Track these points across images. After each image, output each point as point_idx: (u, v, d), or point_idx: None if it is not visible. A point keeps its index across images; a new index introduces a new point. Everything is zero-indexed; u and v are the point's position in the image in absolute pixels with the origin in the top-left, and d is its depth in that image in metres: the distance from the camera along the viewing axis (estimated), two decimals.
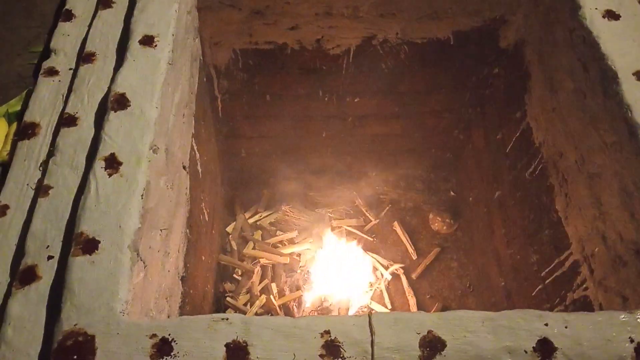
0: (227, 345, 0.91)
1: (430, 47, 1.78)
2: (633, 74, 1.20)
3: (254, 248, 2.17)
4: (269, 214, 2.27)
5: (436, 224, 2.30)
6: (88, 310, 0.92)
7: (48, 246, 1.03)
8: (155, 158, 1.15)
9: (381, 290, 2.13)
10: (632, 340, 0.91)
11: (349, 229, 2.25)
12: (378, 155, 2.24)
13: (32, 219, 1.06)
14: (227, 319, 0.93)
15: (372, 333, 0.92)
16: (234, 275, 2.09)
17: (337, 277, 2.08)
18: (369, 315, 0.94)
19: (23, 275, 1.00)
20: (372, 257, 2.20)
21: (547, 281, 1.50)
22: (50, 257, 1.02)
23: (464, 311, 0.94)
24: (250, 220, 2.26)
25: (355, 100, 1.95)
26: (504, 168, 1.81)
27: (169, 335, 0.91)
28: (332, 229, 2.23)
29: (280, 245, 2.19)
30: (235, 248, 2.14)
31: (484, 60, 1.81)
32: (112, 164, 1.09)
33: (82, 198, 1.05)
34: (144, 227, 1.06)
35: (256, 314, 1.98)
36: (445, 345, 0.90)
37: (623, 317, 0.93)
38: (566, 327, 0.91)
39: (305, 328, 0.93)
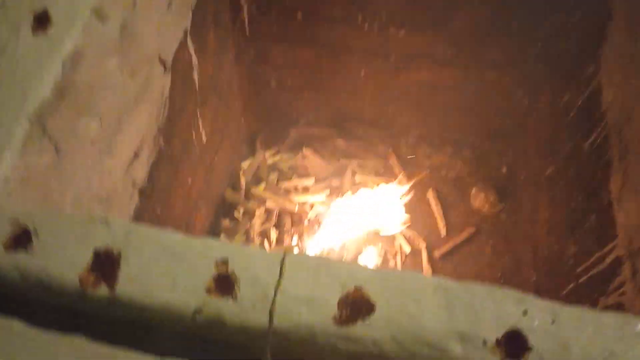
0: (95, 252, 0.70)
1: None
2: None
3: (264, 189, 1.96)
4: (290, 157, 2.04)
5: (478, 201, 1.97)
6: None
7: None
8: (100, 27, 0.95)
9: (395, 264, 1.86)
10: None
11: None
12: (424, 109, 1.94)
13: None
14: (107, 222, 0.73)
15: (281, 275, 0.68)
16: (235, 215, 1.89)
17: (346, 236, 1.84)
18: (284, 253, 0.69)
19: None
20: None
21: (581, 280, 1.18)
22: None
23: (412, 272, 0.67)
24: (270, 160, 2.04)
25: (400, 34, 1.66)
26: (563, 138, 1.46)
27: (34, 227, 0.72)
28: (353, 184, 1.96)
29: (293, 191, 1.97)
30: (244, 186, 1.94)
31: (562, 3, 1.46)
32: (43, 20, 0.91)
33: None
34: (60, 102, 0.88)
35: None
36: (373, 310, 0.64)
37: None
38: (552, 322, 0.62)
39: (201, 251, 0.70)
